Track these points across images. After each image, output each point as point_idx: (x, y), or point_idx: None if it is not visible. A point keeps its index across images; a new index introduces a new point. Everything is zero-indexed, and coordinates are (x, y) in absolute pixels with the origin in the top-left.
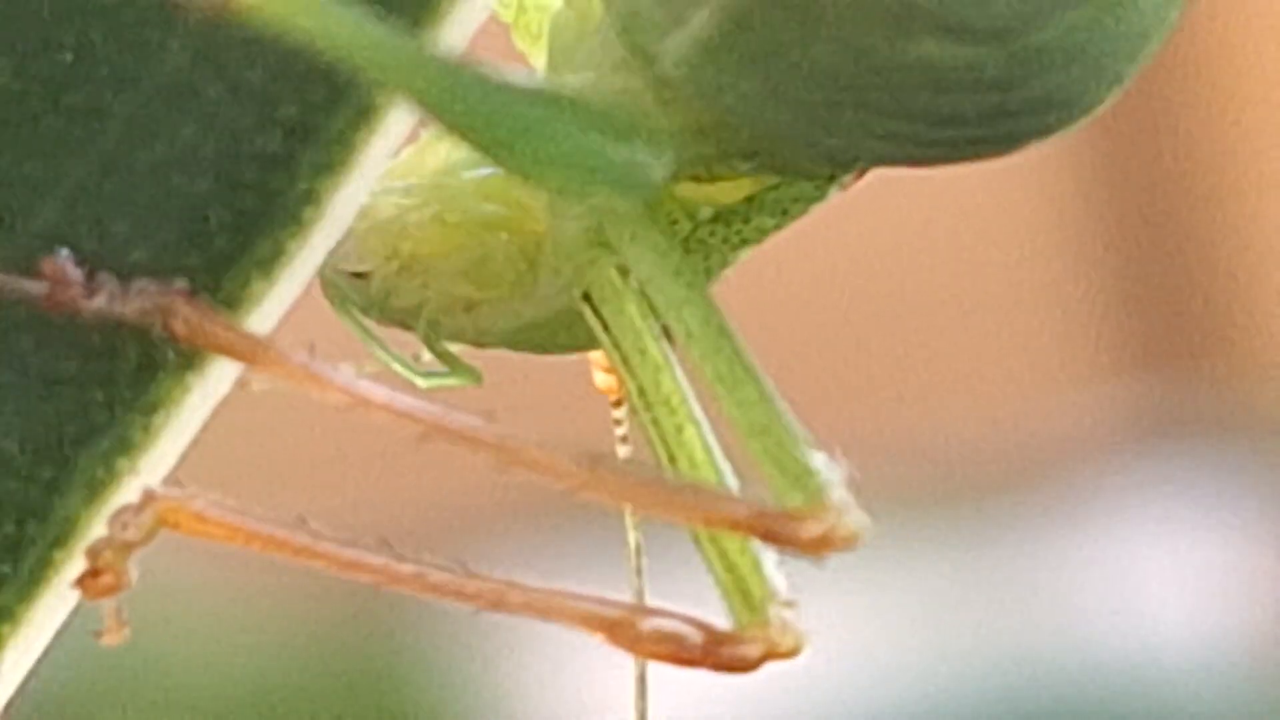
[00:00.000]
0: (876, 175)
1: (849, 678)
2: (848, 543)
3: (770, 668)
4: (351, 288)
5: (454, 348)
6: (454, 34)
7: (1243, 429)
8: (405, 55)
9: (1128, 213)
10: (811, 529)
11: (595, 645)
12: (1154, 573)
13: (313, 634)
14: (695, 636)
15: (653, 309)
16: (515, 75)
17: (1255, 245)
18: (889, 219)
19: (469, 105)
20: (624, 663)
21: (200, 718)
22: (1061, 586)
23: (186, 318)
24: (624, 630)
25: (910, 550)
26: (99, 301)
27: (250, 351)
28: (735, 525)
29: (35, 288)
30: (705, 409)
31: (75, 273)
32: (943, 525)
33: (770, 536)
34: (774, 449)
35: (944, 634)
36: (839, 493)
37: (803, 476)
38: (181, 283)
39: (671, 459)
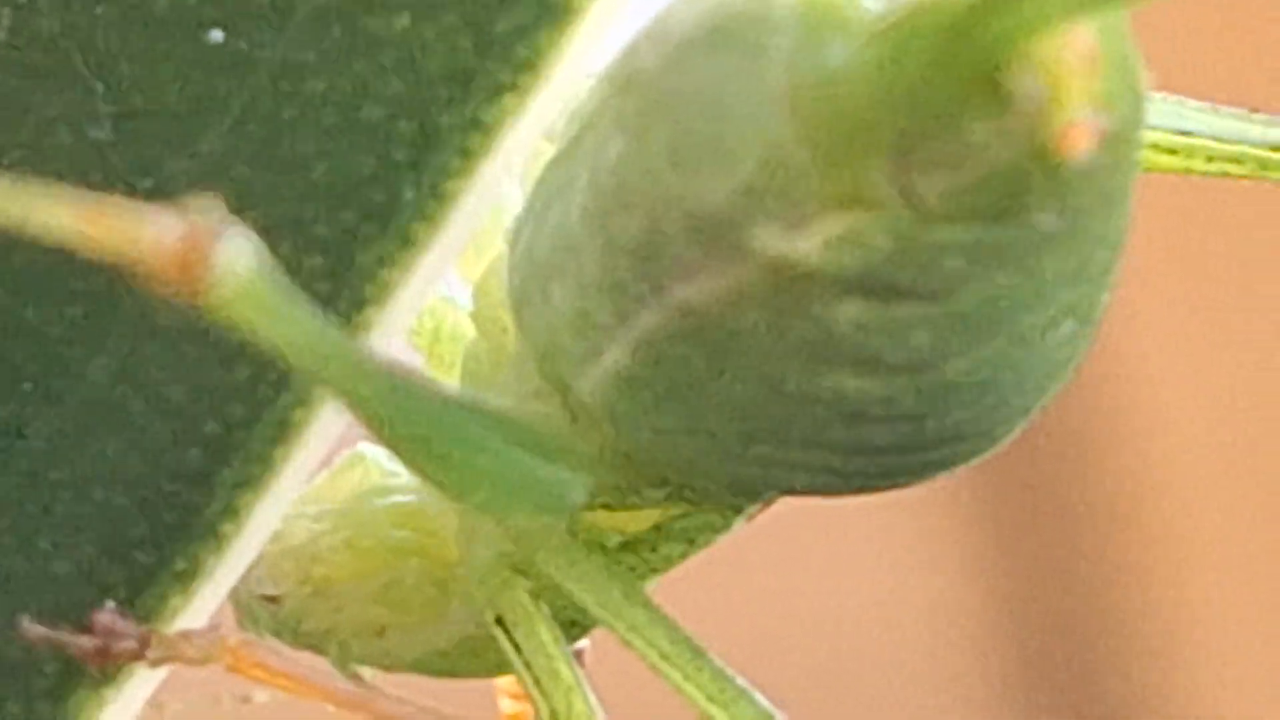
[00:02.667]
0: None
1: None
2: None
3: None
4: (264, 611)
5: (364, 671)
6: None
7: None
8: (349, 362)
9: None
10: None
11: None
12: None
13: None
14: None
15: (566, 630)
16: (447, 389)
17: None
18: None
19: (404, 417)
20: None
21: None
22: None
23: (235, 651)
24: None
25: None
26: (155, 653)
27: (299, 682)
28: None
29: (87, 643)
30: None
31: (127, 625)
32: None
33: None
34: None
35: None
36: None
37: None
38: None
39: None
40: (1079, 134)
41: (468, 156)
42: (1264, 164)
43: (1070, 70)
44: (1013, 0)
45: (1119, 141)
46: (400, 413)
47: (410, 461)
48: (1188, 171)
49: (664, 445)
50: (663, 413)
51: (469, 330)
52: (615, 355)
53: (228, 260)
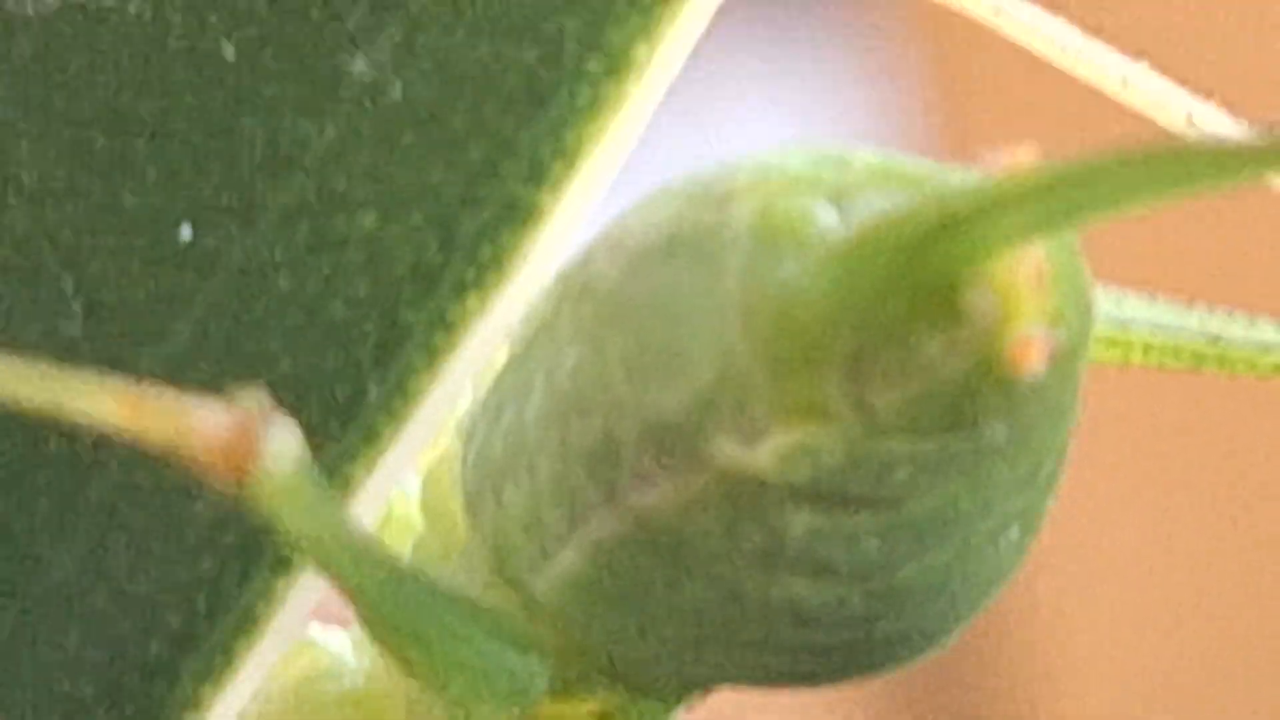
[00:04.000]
0: None
1: None
2: None
3: None
4: None
5: None
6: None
7: None
8: (364, 559)
9: None
10: None
11: None
12: None
13: None
14: None
15: None
16: (442, 585)
17: None
18: None
19: (403, 613)
20: None
21: None
22: None
23: None
24: None
25: None
26: None
27: None
28: None
29: None
30: None
31: None
32: None
33: None
34: None
35: None
36: None
37: None
38: None
39: None
40: (1030, 350)
41: (433, 354)
42: (1201, 356)
43: (1022, 288)
44: (968, 222)
45: (1068, 356)
46: (401, 609)
47: (399, 654)
48: (1125, 363)
49: (615, 644)
50: (615, 615)
51: (418, 518)
52: (568, 558)
53: (274, 454)
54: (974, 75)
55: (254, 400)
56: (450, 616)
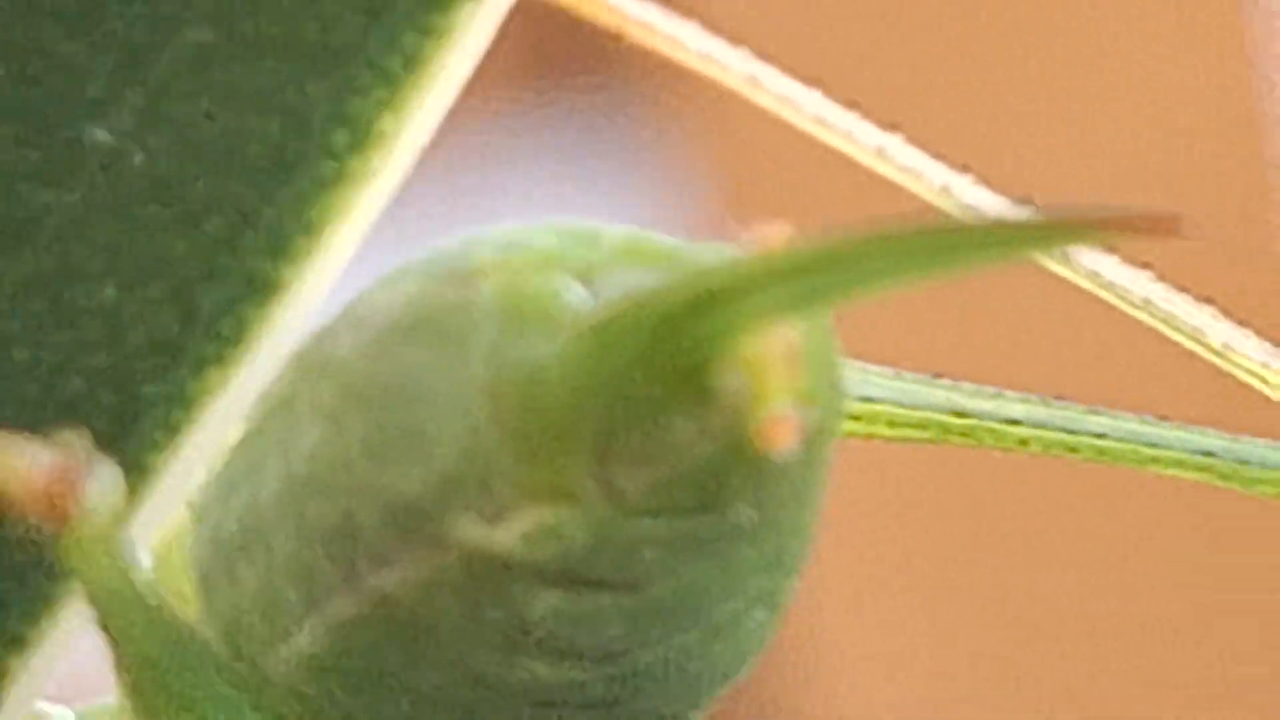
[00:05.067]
0: None
1: None
2: None
3: None
4: None
5: None
6: None
7: None
8: (152, 618)
9: None
10: None
11: None
12: None
13: None
14: None
15: None
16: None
17: None
18: None
19: (178, 674)
20: None
21: None
22: None
23: None
24: None
25: None
26: None
27: None
28: None
29: None
30: None
31: None
32: None
33: None
34: None
35: None
36: None
37: None
38: None
39: None
40: (780, 430)
41: (171, 430)
42: (946, 429)
43: (773, 367)
44: (717, 300)
45: (818, 435)
46: (181, 677)
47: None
48: (870, 437)
49: None
50: (352, 698)
51: None
52: (304, 639)
53: (94, 499)
54: (736, 149)
55: (76, 442)
56: (227, 690)
